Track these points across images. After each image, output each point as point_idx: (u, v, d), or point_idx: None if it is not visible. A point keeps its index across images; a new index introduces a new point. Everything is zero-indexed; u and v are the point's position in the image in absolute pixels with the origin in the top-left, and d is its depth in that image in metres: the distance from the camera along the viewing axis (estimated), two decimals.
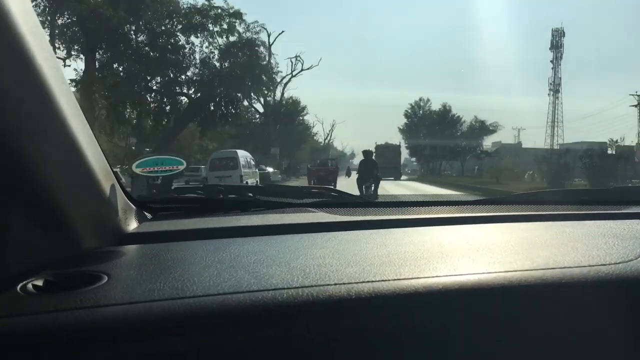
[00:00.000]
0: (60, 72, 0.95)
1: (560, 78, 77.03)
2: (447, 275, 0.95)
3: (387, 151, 49.69)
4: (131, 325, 0.78)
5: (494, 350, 0.92)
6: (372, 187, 13.77)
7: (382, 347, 0.86)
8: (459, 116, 58.97)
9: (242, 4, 40.31)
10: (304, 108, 56.42)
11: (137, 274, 0.96)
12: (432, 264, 1.02)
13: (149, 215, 1.48)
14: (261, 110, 48.72)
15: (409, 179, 51.50)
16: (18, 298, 0.83)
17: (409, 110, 64.20)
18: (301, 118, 57.03)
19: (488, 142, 60.31)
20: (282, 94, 52.56)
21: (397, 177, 45.82)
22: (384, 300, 0.87)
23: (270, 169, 35.60)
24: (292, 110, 54.05)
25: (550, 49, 76.61)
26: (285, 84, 51.44)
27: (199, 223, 1.41)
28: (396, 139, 62.53)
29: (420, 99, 63.95)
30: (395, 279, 0.92)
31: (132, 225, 1.29)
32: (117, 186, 1.21)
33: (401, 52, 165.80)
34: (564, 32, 76.66)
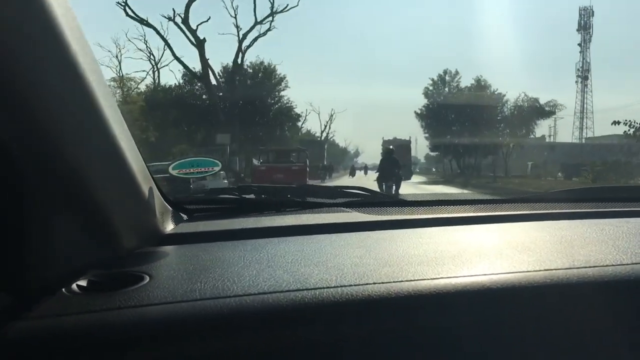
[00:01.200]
0: (101, 76, 0.97)
1: (589, 63, 70.64)
2: (485, 274, 0.94)
3: (396, 148, 44.87)
4: (175, 324, 0.79)
5: (533, 350, 0.90)
6: (394, 187, 13.49)
7: (423, 347, 0.86)
8: (500, 93, 42.54)
9: None
10: (282, 79, 37.48)
11: (178, 274, 0.97)
12: (469, 263, 1.01)
13: (184, 217, 1.50)
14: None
15: (429, 181, 42.80)
16: (63, 298, 0.85)
17: (430, 88, 46.45)
18: (277, 94, 37.25)
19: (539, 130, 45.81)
20: (242, 52, 33.51)
21: (407, 177, 36.92)
22: (423, 299, 0.87)
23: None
24: (264, 79, 36.07)
25: (577, 30, 69.75)
26: (249, 43, 33.83)
27: (235, 224, 1.42)
28: (406, 135, 54.61)
29: (445, 72, 46.87)
30: (433, 278, 0.91)
31: (170, 226, 1.31)
32: (155, 188, 1.23)
33: (410, 47, 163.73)
34: (593, 12, 69.37)
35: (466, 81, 47.83)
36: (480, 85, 43.11)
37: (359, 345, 0.84)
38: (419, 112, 45.39)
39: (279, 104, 36.96)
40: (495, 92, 42.55)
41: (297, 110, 39.28)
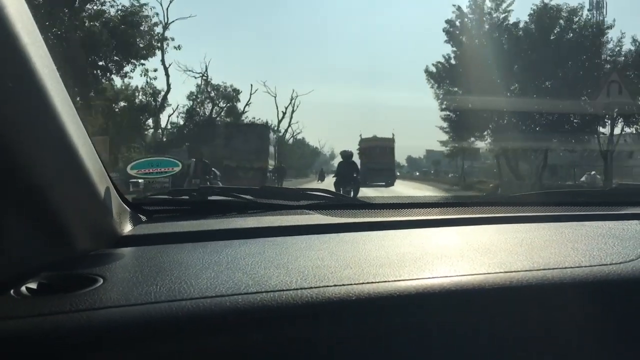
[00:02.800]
0: (56, 73, 0.94)
1: None
2: (447, 276, 0.94)
3: (376, 147, 37.33)
4: (128, 328, 0.76)
5: (494, 351, 0.91)
6: (352, 193, 12.64)
7: (382, 349, 0.86)
8: (596, 21, 23.75)
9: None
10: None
11: (133, 276, 0.95)
12: (431, 265, 1.01)
13: (143, 218, 1.46)
14: None
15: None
16: (12, 301, 0.82)
17: (454, 20, 25.54)
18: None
19: None
20: None
21: (389, 182, 32.99)
22: (384, 301, 0.86)
23: None
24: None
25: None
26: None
27: (195, 225, 1.40)
28: (387, 133, 41.54)
29: None
30: (394, 280, 0.91)
31: (127, 227, 1.28)
32: (112, 188, 1.20)
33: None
34: None
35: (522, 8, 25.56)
36: (546, 12, 23.06)
37: (319, 348, 0.84)
38: (433, 68, 26.45)
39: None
40: (589, 20, 23.22)
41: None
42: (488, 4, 24.86)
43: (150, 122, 34.82)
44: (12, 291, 0.84)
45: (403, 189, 31.38)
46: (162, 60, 32.29)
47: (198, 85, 38.48)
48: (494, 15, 24.80)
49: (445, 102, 26.02)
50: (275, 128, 45.66)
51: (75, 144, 0.96)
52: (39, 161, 0.88)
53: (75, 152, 0.97)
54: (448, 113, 26.45)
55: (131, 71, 25.96)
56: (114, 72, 25.30)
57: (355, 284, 0.89)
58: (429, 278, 0.93)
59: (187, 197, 1.70)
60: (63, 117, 0.91)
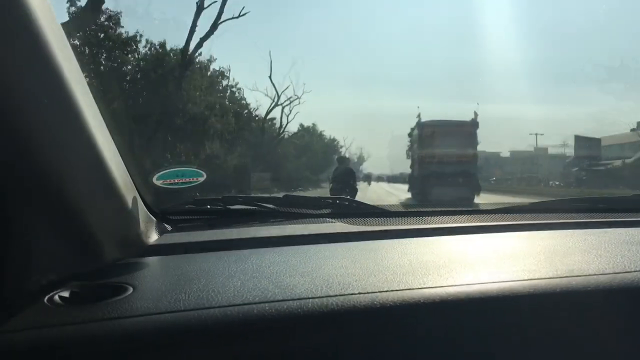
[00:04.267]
0: (85, 85, 0.96)
1: None
2: (471, 284, 0.94)
3: (448, 136, 20.74)
4: (158, 335, 0.78)
5: (519, 358, 0.91)
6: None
7: (407, 356, 0.86)
8: None
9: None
10: None
11: (162, 285, 0.96)
12: (454, 273, 1.01)
13: (169, 227, 1.49)
14: None
15: None
16: (45, 310, 0.84)
17: None
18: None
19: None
20: None
21: (471, 194, 18.51)
22: (409, 309, 0.87)
23: None
24: None
25: None
26: None
27: (219, 234, 1.42)
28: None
29: None
30: (419, 288, 0.92)
31: (153, 237, 1.30)
32: (139, 198, 1.22)
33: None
34: None
35: None
36: None
37: (346, 355, 0.84)
38: None
39: None
40: None
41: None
42: None
43: None
44: (45, 300, 0.86)
45: None
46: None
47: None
48: None
49: None
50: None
51: (103, 155, 0.98)
52: (67, 173, 0.90)
53: (103, 164, 0.99)
54: None
55: None
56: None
57: (380, 291, 0.90)
58: (453, 286, 0.93)
59: (211, 207, 1.72)
60: (91, 128, 0.93)
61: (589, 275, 1.00)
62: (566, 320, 0.93)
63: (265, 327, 0.81)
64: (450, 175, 18.99)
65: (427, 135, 21.20)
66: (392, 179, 73.08)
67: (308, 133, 52.13)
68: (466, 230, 1.48)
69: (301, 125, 49.84)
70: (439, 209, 1.79)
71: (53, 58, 0.82)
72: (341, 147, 65.53)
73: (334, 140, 64.71)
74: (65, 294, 0.89)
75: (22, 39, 0.78)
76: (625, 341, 0.94)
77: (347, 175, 12.26)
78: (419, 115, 22.96)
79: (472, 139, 21.29)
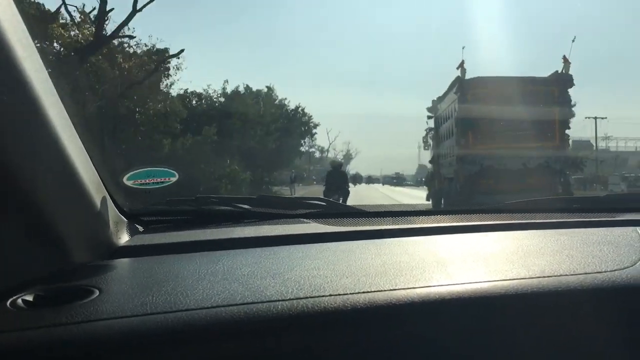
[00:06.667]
0: (50, 84, 0.94)
1: None
2: (442, 285, 0.94)
3: (518, 102, 11.88)
4: (124, 340, 0.77)
5: (491, 358, 0.91)
6: (340, 200, 13.09)
7: (380, 357, 0.86)
8: None
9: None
10: None
11: (129, 287, 0.95)
12: (427, 274, 1.01)
13: (140, 228, 1.46)
14: None
15: None
16: (8, 313, 0.82)
17: None
18: None
19: None
20: None
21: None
22: (379, 311, 0.86)
23: None
24: None
25: None
26: None
27: (191, 235, 1.40)
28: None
29: None
30: (390, 289, 0.91)
31: (124, 238, 1.28)
32: (108, 198, 1.20)
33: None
34: None
35: None
36: None
37: (318, 357, 0.84)
38: None
39: None
40: None
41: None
42: None
43: None
44: (7, 303, 0.84)
45: None
46: None
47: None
48: None
49: None
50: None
51: (69, 155, 0.96)
52: (33, 173, 0.88)
53: (70, 163, 0.97)
54: None
55: None
56: None
57: (350, 293, 0.89)
58: (425, 287, 0.93)
59: (184, 207, 1.70)
60: (57, 128, 0.91)
61: (561, 275, 1.01)
62: (538, 320, 0.94)
63: (233, 330, 0.80)
64: (519, 174, 11.69)
65: (476, 101, 12.18)
66: (388, 180, 70.08)
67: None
68: (441, 230, 1.48)
69: (247, 87, 32.16)
70: (414, 210, 1.79)
71: (13, 53, 0.80)
72: (315, 124, 44.92)
73: (303, 112, 42.98)
74: (29, 297, 0.87)
75: None
76: (595, 341, 0.95)
77: (340, 177, 12.47)
78: (461, 66, 13.00)
79: (560, 107, 12.28)
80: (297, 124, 42.01)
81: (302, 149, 51.34)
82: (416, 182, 65.37)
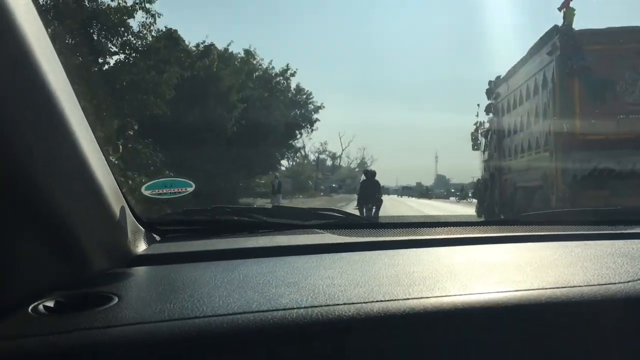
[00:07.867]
0: (72, 93, 0.96)
1: None
2: (456, 295, 0.95)
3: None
4: (142, 345, 0.78)
5: None
6: (374, 210, 13.25)
7: None
8: None
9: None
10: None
11: (147, 294, 0.96)
12: (440, 284, 1.02)
13: (157, 237, 1.49)
14: None
15: None
16: (29, 319, 0.84)
17: None
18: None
19: None
20: None
21: None
22: (393, 320, 0.87)
23: None
24: None
25: None
26: None
27: (207, 245, 1.42)
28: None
29: None
30: (404, 299, 0.92)
31: (141, 247, 1.30)
32: (127, 207, 1.22)
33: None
34: None
35: None
36: None
37: None
38: None
39: None
40: None
41: None
42: None
43: None
44: (29, 309, 0.86)
45: None
46: None
47: None
48: None
49: None
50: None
51: (90, 165, 0.98)
52: (54, 182, 0.90)
53: (91, 173, 0.99)
54: None
55: None
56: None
57: (364, 302, 0.90)
58: (438, 297, 0.94)
59: (200, 217, 1.72)
60: (77, 137, 0.93)
61: (574, 286, 1.01)
62: (552, 331, 0.94)
63: (249, 337, 0.82)
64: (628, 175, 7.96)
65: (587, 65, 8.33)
66: (407, 192, 65.55)
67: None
68: (455, 241, 1.49)
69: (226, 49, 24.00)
70: (426, 221, 1.80)
71: (35, 63, 0.82)
72: (317, 106, 35.59)
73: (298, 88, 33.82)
74: (50, 303, 0.89)
75: (2, 46, 0.78)
76: (608, 352, 0.95)
77: (372, 187, 12.64)
78: (566, 6, 8.77)
79: None
80: (290, 103, 30.12)
81: (298, 143, 38.38)
82: (421, 194, 62.87)
